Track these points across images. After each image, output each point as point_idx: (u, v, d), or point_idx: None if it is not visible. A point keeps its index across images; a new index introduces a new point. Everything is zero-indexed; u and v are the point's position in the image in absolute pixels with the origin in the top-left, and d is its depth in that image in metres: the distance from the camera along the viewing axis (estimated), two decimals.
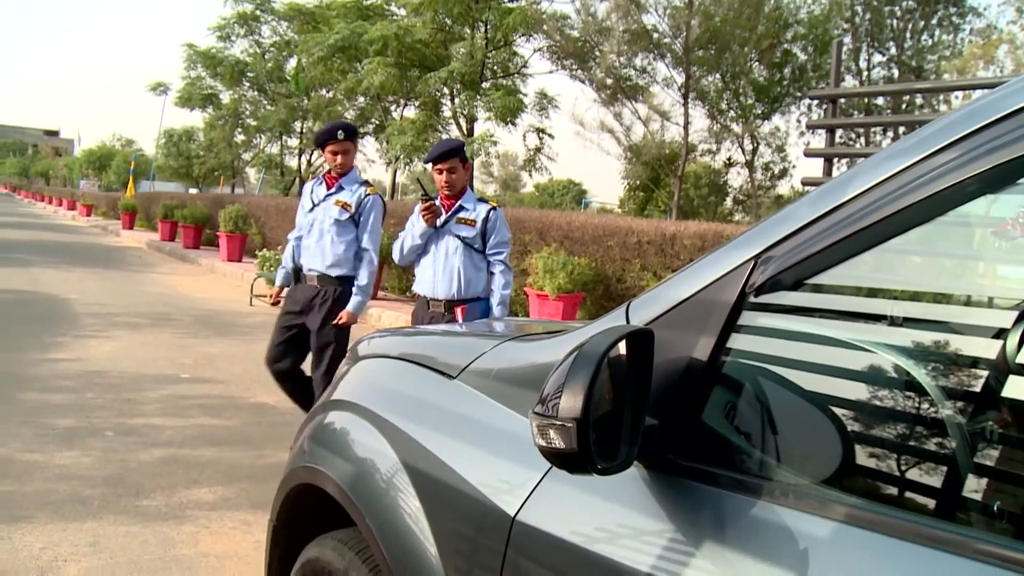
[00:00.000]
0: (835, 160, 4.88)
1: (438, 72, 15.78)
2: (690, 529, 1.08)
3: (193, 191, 30.33)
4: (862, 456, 1.03)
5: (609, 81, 15.58)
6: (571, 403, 1.03)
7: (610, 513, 1.18)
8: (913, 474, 0.98)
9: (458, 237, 4.36)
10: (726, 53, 15.39)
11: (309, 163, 27.28)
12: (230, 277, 14.83)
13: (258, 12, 24.79)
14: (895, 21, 15.74)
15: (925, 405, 0.97)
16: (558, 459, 1.08)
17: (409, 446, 1.60)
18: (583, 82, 16.59)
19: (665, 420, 1.16)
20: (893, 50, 16.22)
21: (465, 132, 17.79)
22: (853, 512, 0.95)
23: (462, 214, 4.39)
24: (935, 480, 0.96)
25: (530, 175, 18.40)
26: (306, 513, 1.99)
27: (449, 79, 15.84)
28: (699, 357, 1.16)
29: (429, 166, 4.49)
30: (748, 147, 17.23)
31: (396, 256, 4.60)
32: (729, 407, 1.16)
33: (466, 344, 1.77)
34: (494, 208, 4.45)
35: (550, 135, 17.13)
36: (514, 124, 17.02)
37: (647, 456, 1.16)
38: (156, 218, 23.14)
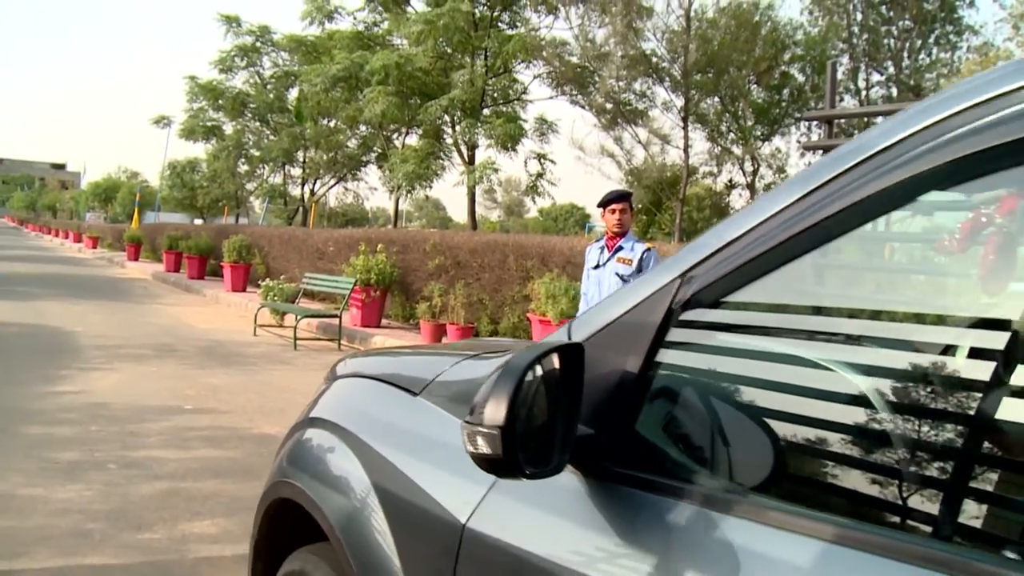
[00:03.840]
0: None
1: (439, 100, 15.89)
2: (625, 532, 1.14)
3: (198, 222, 30.47)
4: (788, 463, 1.10)
5: (609, 106, 15.67)
6: (495, 412, 1.10)
7: (550, 518, 1.25)
8: (839, 479, 1.04)
9: (617, 275, 4.94)
10: (724, 76, 15.50)
11: (312, 192, 27.44)
12: (234, 307, 14.87)
13: (258, 44, 25.04)
14: (892, 40, 15.83)
15: (849, 411, 1.02)
16: (487, 464, 1.14)
17: (375, 461, 1.67)
18: (583, 107, 16.70)
19: (600, 430, 1.22)
20: (891, 69, 16.30)
21: (466, 159, 17.88)
22: (781, 517, 1.00)
23: (621, 253, 5.00)
24: (861, 485, 1.01)
25: (533, 201, 18.48)
26: (286, 527, 2.04)
27: (450, 107, 15.94)
28: (631, 371, 1.23)
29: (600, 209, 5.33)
30: (749, 169, 17.31)
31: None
32: (660, 418, 1.24)
33: (430, 363, 1.83)
34: (649, 249, 5.12)
35: (551, 160, 17.23)
36: (515, 150, 17.12)
37: (583, 464, 1.23)
38: (161, 249, 23.26)
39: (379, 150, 22.53)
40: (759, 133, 16.75)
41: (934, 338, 1.00)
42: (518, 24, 17.61)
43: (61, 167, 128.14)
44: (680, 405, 1.23)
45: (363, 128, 22.31)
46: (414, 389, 1.74)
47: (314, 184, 27.28)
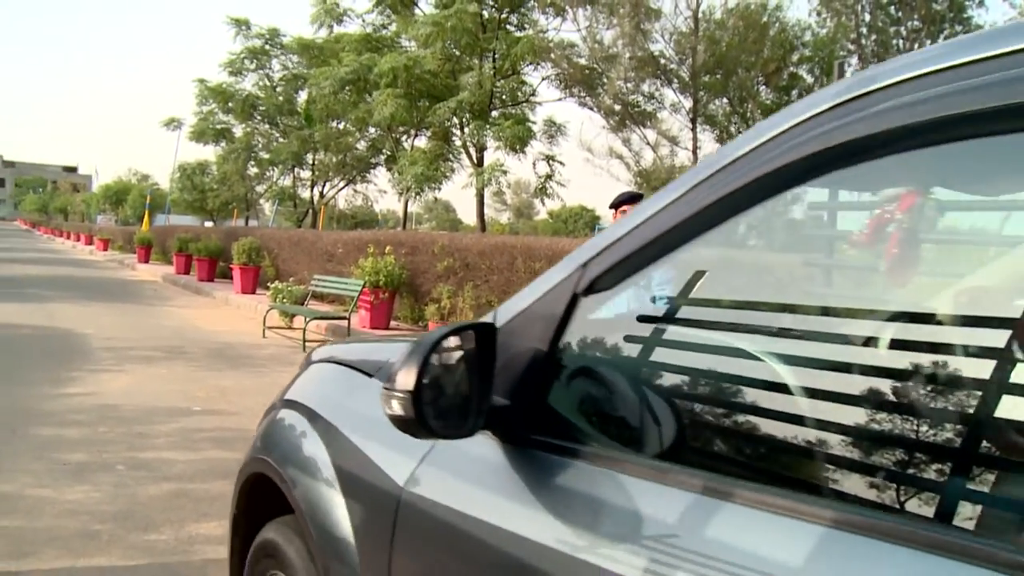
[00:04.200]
0: None
1: (447, 102, 15.92)
2: (538, 491, 1.29)
3: (208, 224, 30.62)
4: (679, 430, 1.27)
5: (617, 107, 15.65)
6: (406, 379, 1.29)
7: (472, 480, 1.43)
8: (718, 441, 1.24)
9: None
10: (733, 77, 15.45)
11: (322, 195, 27.53)
12: (244, 309, 14.92)
13: (267, 47, 25.16)
14: (901, 41, 15.75)
15: (736, 383, 1.21)
16: (401, 424, 1.33)
17: (334, 437, 1.86)
18: (591, 109, 16.69)
19: (516, 402, 1.38)
20: None
21: (475, 161, 17.90)
22: (670, 476, 1.14)
23: None
24: (741, 444, 1.19)
25: (542, 203, 18.48)
26: (261, 502, 2.18)
27: (458, 109, 15.97)
28: (542, 350, 1.39)
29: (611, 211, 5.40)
30: None
31: None
32: (568, 390, 1.41)
33: (391, 349, 1.94)
34: None
35: (560, 162, 17.23)
36: (524, 152, 17.13)
37: (502, 432, 1.40)
38: (171, 252, 23.36)
39: (388, 152, 22.59)
40: None
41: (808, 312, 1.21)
42: (526, 26, 17.64)
43: (73, 170, 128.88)
44: (583, 380, 1.42)
45: (372, 130, 22.37)
46: (370, 371, 1.90)
47: (323, 186, 27.38)
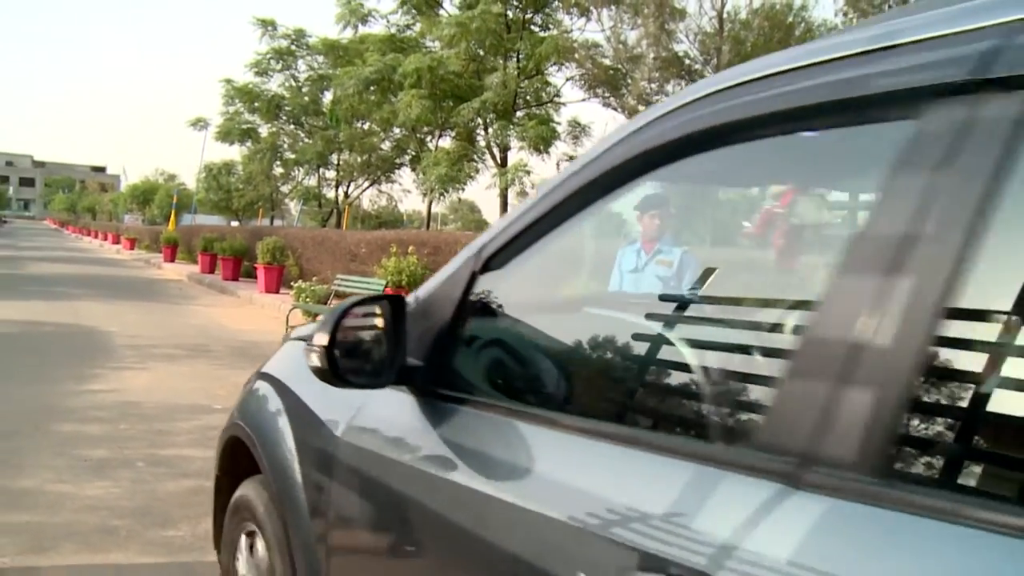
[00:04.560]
0: None
1: (471, 103, 15.91)
2: (445, 434, 1.56)
3: (234, 224, 30.85)
4: (562, 383, 1.62)
5: (641, 108, 15.56)
6: (321, 336, 1.58)
7: (391, 426, 1.73)
8: (583, 391, 1.61)
9: (657, 277, 4.89)
10: None
11: (347, 195, 27.64)
12: (268, 308, 14.99)
13: (293, 47, 25.28)
14: None
15: (595, 342, 1.61)
16: (319, 374, 1.62)
17: (292, 402, 2.15)
18: (616, 109, 16.61)
19: (427, 362, 1.66)
20: None
21: (499, 162, 17.87)
22: (548, 420, 1.42)
23: (661, 256, 4.96)
24: (611, 394, 1.56)
25: None
26: (238, 463, 2.41)
27: (482, 109, 15.95)
28: (446, 319, 1.65)
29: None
30: None
31: None
32: (467, 352, 1.71)
33: None
34: (687, 251, 5.18)
35: None
36: (548, 152, 17.08)
37: (416, 387, 1.67)
38: (196, 251, 23.54)
39: (412, 152, 22.62)
40: None
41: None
42: (550, 26, 17.59)
43: (101, 170, 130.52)
44: (479, 343, 1.74)
45: (397, 130, 22.41)
46: None
47: (348, 186, 27.47)
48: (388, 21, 19.69)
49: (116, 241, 43.69)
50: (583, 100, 17.50)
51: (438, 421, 1.59)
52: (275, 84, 26.34)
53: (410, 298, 1.79)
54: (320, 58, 25.69)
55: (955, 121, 0.95)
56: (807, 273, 1.10)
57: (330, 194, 27.91)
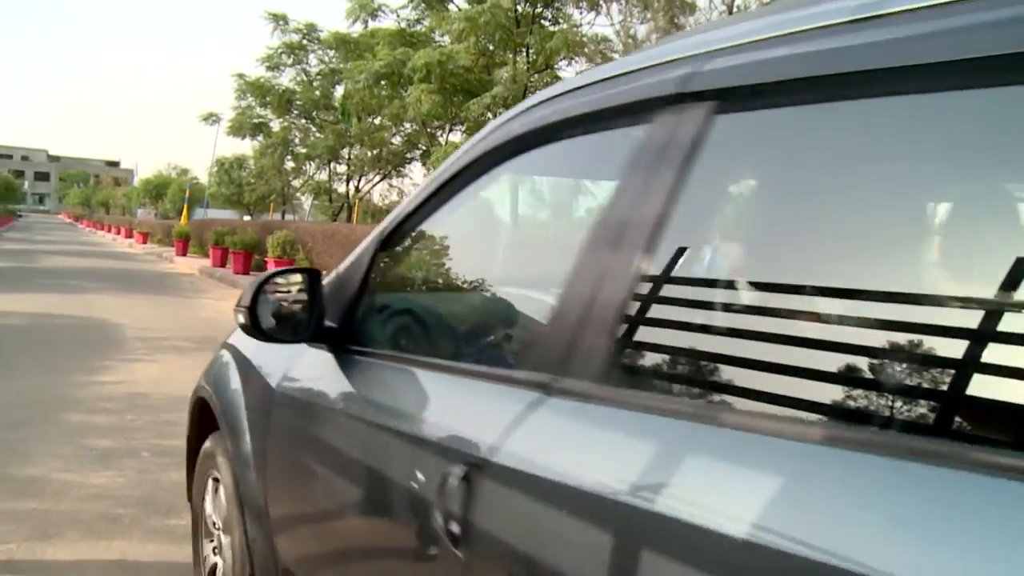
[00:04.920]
0: None
1: (481, 98, 15.92)
2: (355, 382, 1.92)
3: (247, 218, 30.96)
4: (445, 333, 2.18)
5: None
6: (246, 298, 1.99)
7: (315, 377, 2.09)
8: (455, 343, 2.11)
9: None
10: None
11: (357, 189, 27.70)
12: None
13: (304, 42, 25.35)
14: None
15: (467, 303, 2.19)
16: (245, 329, 2.05)
17: (244, 364, 2.53)
18: None
19: (342, 324, 2.03)
20: None
21: None
22: (434, 366, 1.79)
23: None
24: (480, 343, 2.03)
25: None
26: (204, 422, 2.77)
27: (492, 104, 15.95)
28: (356, 289, 2.04)
29: None
30: None
31: None
32: (372, 315, 2.11)
33: None
34: (715, 246, 5.21)
35: None
36: None
37: (332, 344, 2.03)
38: (208, 245, 23.65)
39: (423, 147, 22.65)
40: None
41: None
42: (560, 20, 17.57)
43: (115, 164, 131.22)
44: (381, 308, 2.16)
45: (407, 125, 22.44)
46: None
47: (359, 181, 27.54)
48: (398, 16, 19.74)
49: (129, 235, 43.93)
50: None
51: (349, 371, 1.96)
52: (286, 79, 26.47)
53: (331, 274, 2.17)
54: (331, 52, 25.75)
55: (662, 127, 1.30)
56: (579, 250, 1.43)
57: (341, 188, 27.99)
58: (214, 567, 2.62)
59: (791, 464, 0.96)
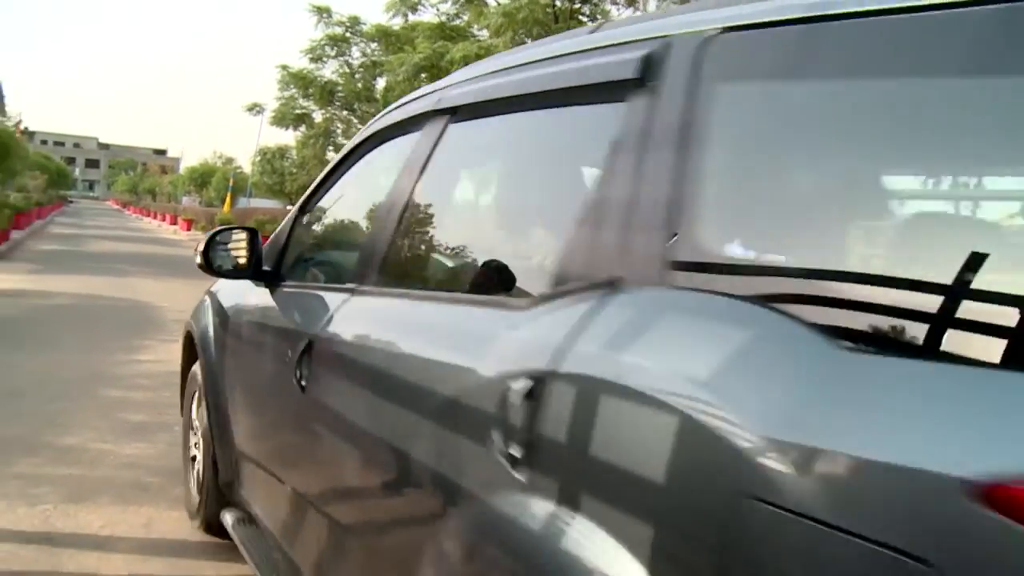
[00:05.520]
0: None
1: None
2: (282, 304, 2.73)
3: (289, 207, 31.41)
4: (335, 270, 2.83)
5: None
6: (200, 246, 2.90)
7: (255, 304, 2.97)
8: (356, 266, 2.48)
9: None
10: None
11: None
12: None
13: (347, 34, 25.64)
14: None
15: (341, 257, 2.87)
16: (200, 267, 2.91)
17: (216, 304, 3.47)
18: None
19: (274, 267, 2.92)
20: None
21: None
22: (330, 287, 2.55)
23: None
24: (357, 269, 2.41)
25: None
26: (192, 352, 3.68)
27: None
28: (284, 240, 2.98)
29: None
30: None
31: None
32: (295, 260, 2.97)
33: None
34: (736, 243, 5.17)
35: None
36: None
37: (267, 282, 2.89)
38: None
39: None
40: None
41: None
42: (598, 16, 17.59)
43: (162, 152, 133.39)
44: (299, 253, 3.00)
45: None
46: None
47: None
48: (438, 10, 19.88)
49: (174, 222, 44.77)
50: None
51: (276, 298, 2.79)
52: (329, 70, 26.75)
53: (273, 235, 3.09)
54: (374, 45, 25.99)
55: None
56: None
57: None
58: (194, 457, 3.70)
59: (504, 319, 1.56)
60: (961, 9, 1.02)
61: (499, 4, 17.27)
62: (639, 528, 1.07)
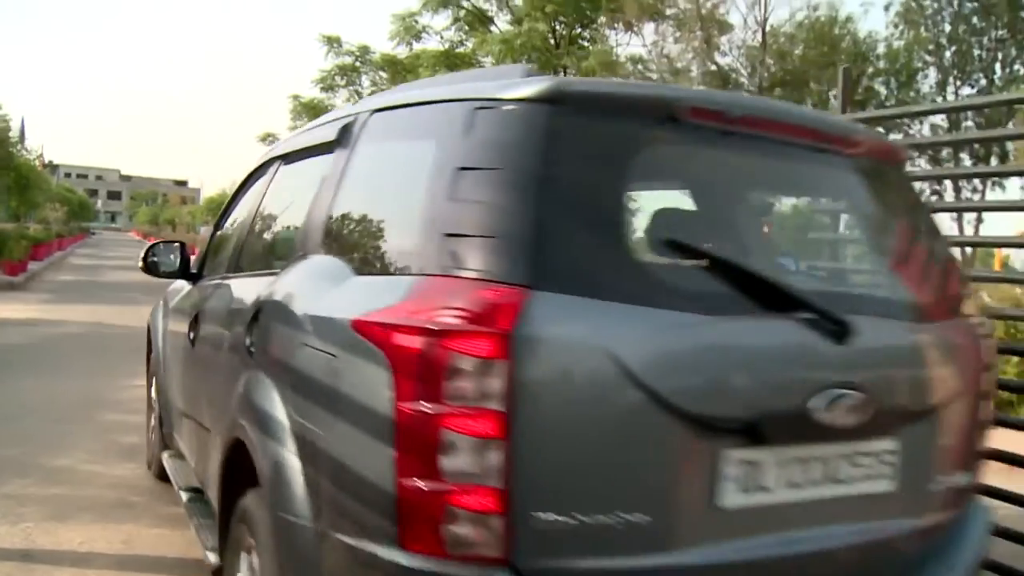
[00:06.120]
0: None
1: None
2: (194, 293, 3.87)
3: None
4: (226, 265, 3.60)
5: None
6: (142, 253, 4.13)
7: (183, 297, 4.08)
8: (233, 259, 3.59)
9: None
10: (805, 90, 15.28)
11: None
12: None
13: (357, 64, 26.08)
14: (983, 52, 15.28)
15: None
16: (142, 270, 4.10)
17: (164, 301, 4.65)
18: None
19: (198, 269, 4.01)
20: (983, 81, 15.75)
21: None
22: (224, 276, 3.49)
23: None
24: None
25: None
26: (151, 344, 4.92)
27: None
28: (205, 249, 4.19)
29: None
30: None
31: None
32: (209, 262, 4.00)
33: None
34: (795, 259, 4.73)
35: None
36: None
37: (191, 279, 4.02)
38: None
39: None
40: None
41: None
42: (598, 42, 17.84)
43: (183, 183, 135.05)
44: (212, 258, 3.97)
45: None
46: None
47: None
48: (442, 37, 20.24)
49: (193, 252, 45.24)
50: None
51: (193, 291, 3.89)
52: (340, 99, 27.18)
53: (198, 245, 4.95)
54: (383, 73, 26.41)
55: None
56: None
57: None
58: (152, 427, 4.77)
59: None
60: (427, 106, 2.24)
61: (499, 32, 17.56)
62: (283, 377, 2.21)
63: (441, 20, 19.55)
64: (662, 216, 2.28)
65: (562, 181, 1.75)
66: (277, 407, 2.14)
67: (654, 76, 16.25)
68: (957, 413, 2.14)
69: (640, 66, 16.65)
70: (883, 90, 15.98)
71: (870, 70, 16.14)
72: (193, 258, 4.23)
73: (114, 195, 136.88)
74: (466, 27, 19.29)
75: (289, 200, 3.02)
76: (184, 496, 3.45)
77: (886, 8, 16.16)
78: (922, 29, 15.72)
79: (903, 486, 2.01)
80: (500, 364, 1.56)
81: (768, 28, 14.85)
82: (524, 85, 1.86)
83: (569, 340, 1.63)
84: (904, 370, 2.02)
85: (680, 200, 2.56)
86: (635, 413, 1.65)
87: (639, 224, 2.20)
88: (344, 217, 2.34)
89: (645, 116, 1.90)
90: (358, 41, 26.17)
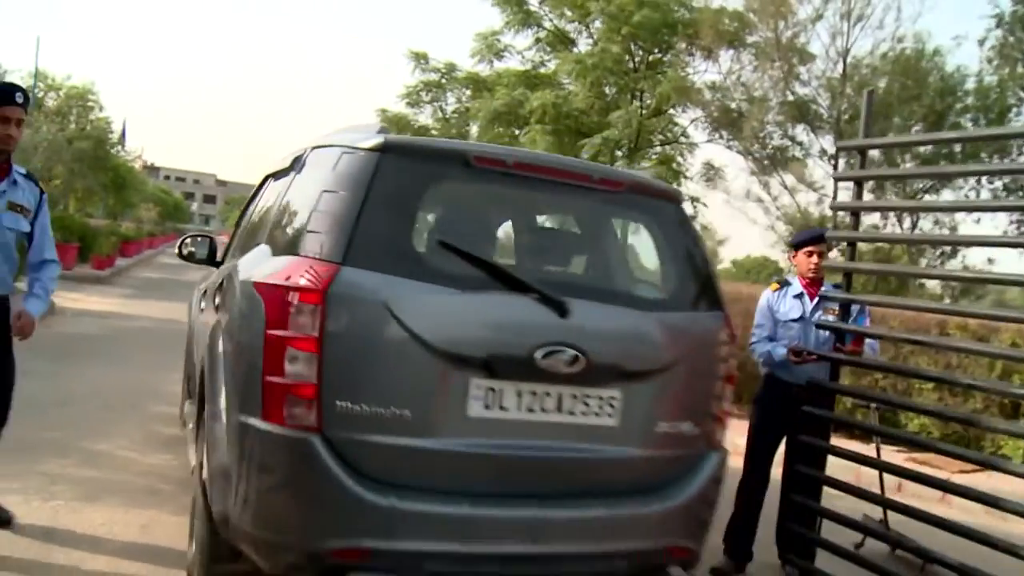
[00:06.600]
0: (861, 213, 4.69)
1: (592, 139, 16.22)
2: (214, 273, 4.38)
3: None
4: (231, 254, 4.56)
5: (758, 150, 15.40)
6: (177, 244, 5.01)
7: (208, 281, 4.42)
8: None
9: (823, 327, 4.26)
10: (888, 124, 14.83)
11: None
12: None
13: (443, 81, 26.42)
14: None
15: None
16: (179, 256, 4.92)
17: (198, 288, 5.13)
18: (741, 153, 16.51)
19: (222, 256, 4.75)
20: None
21: None
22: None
23: (830, 304, 4.30)
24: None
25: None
26: None
27: (603, 145, 16.22)
28: (229, 240, 4.90)
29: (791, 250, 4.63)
30: (909, 222, 16.28)
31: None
32: (227, 252, 4.73)
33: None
34: (860, 308, 4.44)
35: (704, 204, 17.08)
36: None
37: (216, 264, 4.65)
38: None
39: None
40: (922, 186, 15.72)
41: None
42: (678, 68, 17.70)
43: None
44: (231, 248, 4.68)
45: None
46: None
47: None
48: (523, 57, 20.35)
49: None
50: (708, 141, 17.46)
51: (214, 273, 4.27)
52: (425, 115, 27.53)
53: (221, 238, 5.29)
54: (468, 91, 26.65)
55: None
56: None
57: None
58: (183, 387, 5.37)
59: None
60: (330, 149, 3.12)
61: (575, 52, 17.60)
62: (223, 318, 3.14)
63: (523, 40, 19.73)
64: (445, 224, 3.12)
65: (378, 200, 2.69)
66: (220, 339, 3.04)
67: (732, 104, 16.07)
68: (680, 379, 2.93)
69: (718, 93, 16.47)
70: (970, 127, 15.42)
71: (958, 106, 15.66)
72: (219, 248, 4.97)
73: (209, 199, 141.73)
74: (547, 47, 19.39)
75: (265, 206, 4.00)
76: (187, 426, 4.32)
77: (980, 43, 15.68)
78: (1019, 66, 15.18)
79: (624, 424, 2.81)
80: (319, 308, 2.54)
81: (850, 59, 14.55)
82: (369, 139, 2.82)
83: (361, 296, 2.59)
84: (618, 341, 2.82)
85: (472, 218, 3.28)
86: (402, 345, 2.57)
87: (430, 230, 3.06)
88: (279, 219, 3.27)
89: (447, 161, 2.88)
90: (445, 58, 26.44)
